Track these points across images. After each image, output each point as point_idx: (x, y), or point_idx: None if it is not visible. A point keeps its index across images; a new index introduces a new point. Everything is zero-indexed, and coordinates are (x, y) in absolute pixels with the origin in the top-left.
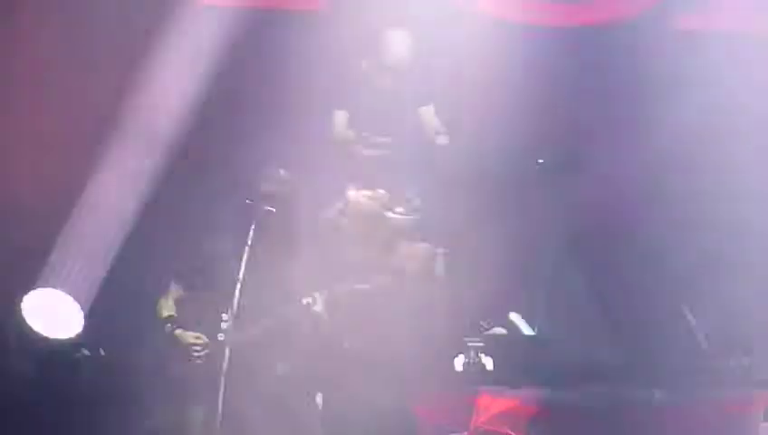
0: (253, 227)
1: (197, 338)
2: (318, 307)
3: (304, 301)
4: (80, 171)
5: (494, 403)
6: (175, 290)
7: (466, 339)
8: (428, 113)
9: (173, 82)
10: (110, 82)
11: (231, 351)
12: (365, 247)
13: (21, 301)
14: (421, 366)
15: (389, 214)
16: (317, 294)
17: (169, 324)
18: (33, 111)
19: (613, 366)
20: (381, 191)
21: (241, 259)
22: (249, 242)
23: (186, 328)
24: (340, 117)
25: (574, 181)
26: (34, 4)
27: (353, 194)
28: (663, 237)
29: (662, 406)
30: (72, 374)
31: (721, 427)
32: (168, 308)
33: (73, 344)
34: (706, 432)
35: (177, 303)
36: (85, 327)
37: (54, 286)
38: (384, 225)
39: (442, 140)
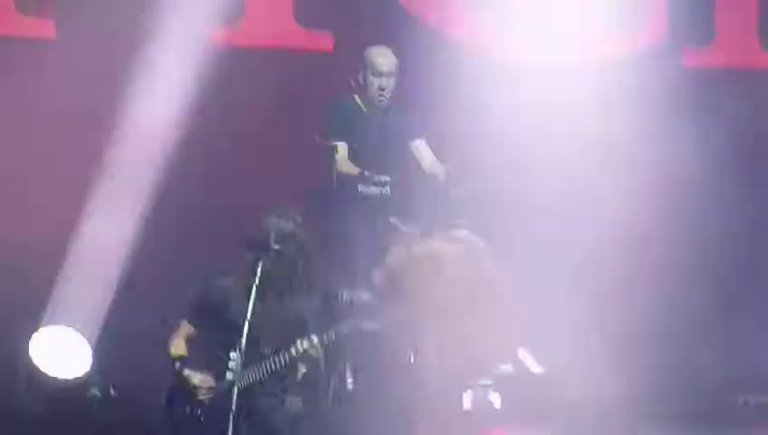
0: (260, 266)
1: (203, 380)
2: (314, 350)
3: (302, 343)
4: (84, 211)
5: None
6: (185, 327)
7: (476, 377)
8: (422, 146)
9: (167, 124)
10: (109, 123)
11: (240, 390)
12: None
13: (29, 340)
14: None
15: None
16: (314, 336)
17: (179, 364)
18: (41, 154)
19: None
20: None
21: (249, 299)
22: (257, 282)
23: (194, 367)
24: (342, 152)
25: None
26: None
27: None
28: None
29: None
30: (82, 413)
31: None
32: (178, 348)
33: (83, 384)
34: None
35: (188, 341)
36: (94, 366)
37: (62, 323)
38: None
39: (441, 170)
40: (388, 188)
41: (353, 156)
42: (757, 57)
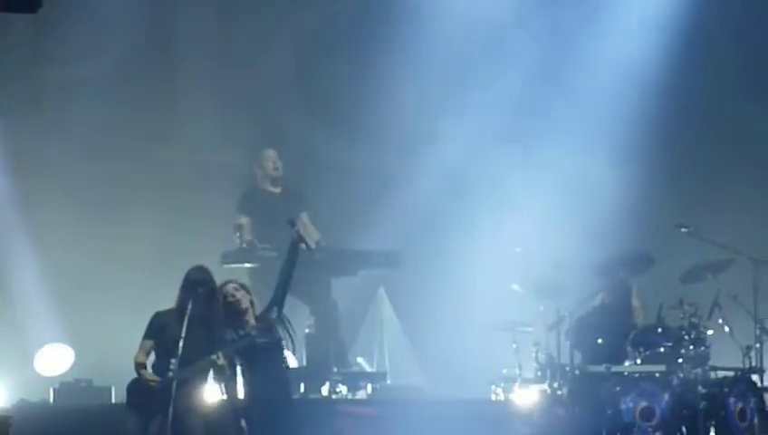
0: (191, 303)
1: (153, 377)
2: (221, 360)
3: (213, 356)
4: None
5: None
6: (146, 343)
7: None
8: (306, 218)
9: None
10: None
11: (177, 383)
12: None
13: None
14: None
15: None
16: (220, 352)
17: (140, 367)
18: None
19: None
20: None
21: (182, 325)
22: (188, 311)
23: (152, 367)
24: (246, 224)
25: None
26: None
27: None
28: None
29: None
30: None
31: None
32: (139, 357)
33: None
34: None
35: (147, 352)
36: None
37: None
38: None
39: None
40: (276, 252)
41: (259, 226)
42: None
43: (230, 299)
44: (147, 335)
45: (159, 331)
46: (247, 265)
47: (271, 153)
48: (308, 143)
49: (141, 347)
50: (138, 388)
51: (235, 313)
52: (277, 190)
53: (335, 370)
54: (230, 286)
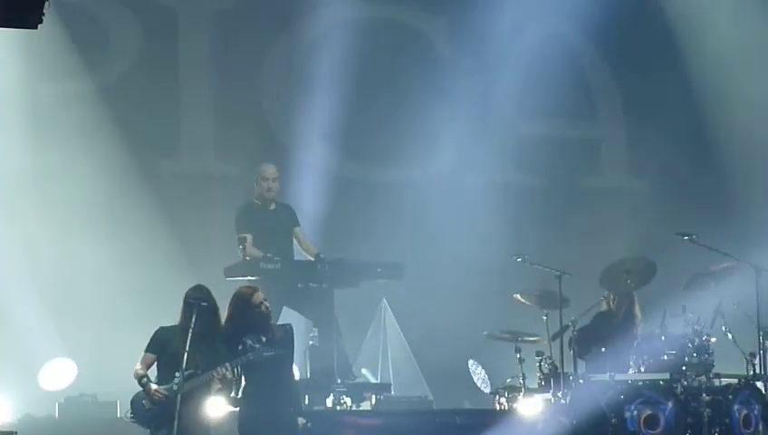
0: (194, 317)
1: (158, 389)
2: (228, 373)
3: (219, 369)
4: None
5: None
6: (147, 356)
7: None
8: (300, 232)
9: None
10: None
11: (181, 396)
12: None
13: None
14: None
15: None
16: (227, 364)
17: (144, 380)
18: None
19: None
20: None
21: (187, 338)
22: (191, 326)
23: (156, 381)
24: (249, 239)
25: None
26: None
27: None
28: None
29: None
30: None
31: None
32: (142, 370)
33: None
34: None
35: (148, 365)
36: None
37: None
38: None
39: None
40: (279, 265)
41: (256, 241)
42: None
43: (265, 305)
44: (148, 349)
45: (162, 345)
46: (250, 278)
47: (270, 171)
48: (308, 154)
49: (142, 360)
50: (142, 401)
51: (266, 318)
52: (271, 208)
53: (339, 381)
54: (260, 293)
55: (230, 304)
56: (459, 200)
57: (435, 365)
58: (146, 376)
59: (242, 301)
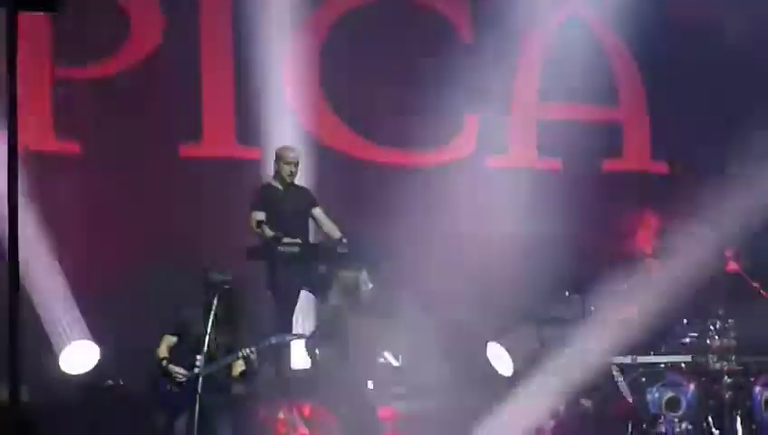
0: (216, 298)
1: (179, 371)
2: (252, 355)
3: (243, 350)
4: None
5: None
6: (167, 338)
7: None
8: (319, 213)
9: None
10: None
11: (202, 378)
12: None
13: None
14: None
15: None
16: (253, 347)
17: (165, 362)
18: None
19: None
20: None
21: (208, 320)
22: (213, 308)
23: (175, 364)
24: (262, 218)
25: None
26: None
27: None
28: None
29: None
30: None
31: None
32: (162, 352)
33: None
34: None
35: (169, 348)
36: (105, 364)
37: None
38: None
39: (337, 234)
40: (297, 248)
41: (272, 223)
42: None
43: None
44: (169, 331)
45: (183, 328)
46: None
47: (292, 156)
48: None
49: (163, 342)
50: (163, 385)
51: None
52: (287, 188)
53: None
54: None
55: None
56: (480, 185)
57: (454, 350)
58: (166, 358)
59: None
